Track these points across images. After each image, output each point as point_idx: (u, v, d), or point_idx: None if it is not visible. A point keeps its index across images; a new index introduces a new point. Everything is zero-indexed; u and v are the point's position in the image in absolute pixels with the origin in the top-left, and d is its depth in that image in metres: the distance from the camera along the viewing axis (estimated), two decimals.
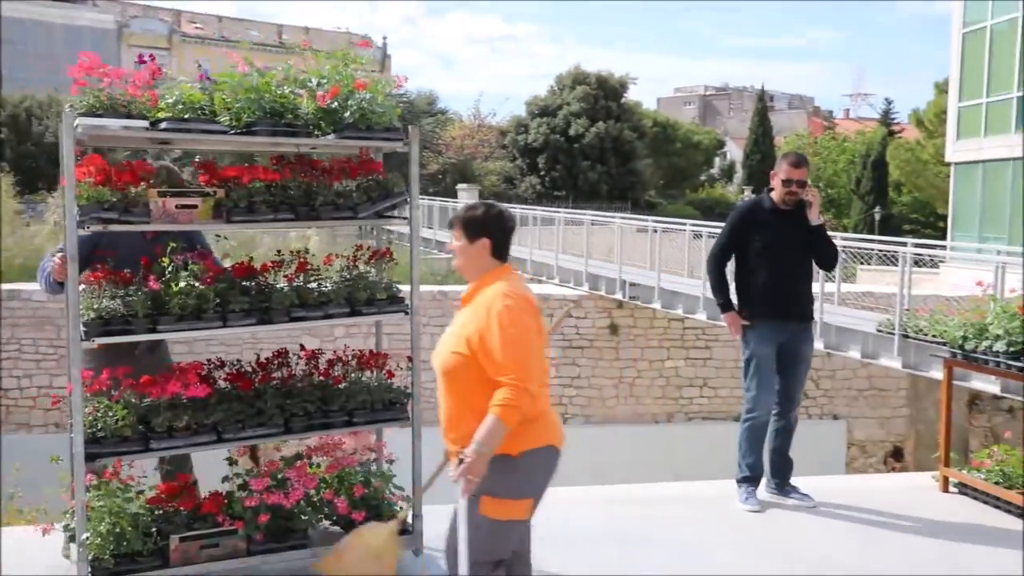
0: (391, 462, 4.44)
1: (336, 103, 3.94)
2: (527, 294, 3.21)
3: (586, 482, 7.32)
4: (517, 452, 3.06)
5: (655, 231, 17.49)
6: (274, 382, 4.22)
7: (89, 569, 3.68)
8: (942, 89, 35.31)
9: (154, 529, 3.84)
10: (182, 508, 3.99)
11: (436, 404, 3.23)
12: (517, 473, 3.08)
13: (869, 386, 17.66)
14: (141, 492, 3.97)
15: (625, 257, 17.44)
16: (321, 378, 4.29)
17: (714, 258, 5.53)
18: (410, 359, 4.28)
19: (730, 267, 5.53)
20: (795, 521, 5.12)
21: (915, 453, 17.64)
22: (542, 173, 43.89)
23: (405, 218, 4.26)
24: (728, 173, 59.41)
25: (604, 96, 44.58)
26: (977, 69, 23.83)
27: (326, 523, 4.20)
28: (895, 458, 17.78)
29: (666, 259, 16.92)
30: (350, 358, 4.35)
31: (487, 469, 2.99)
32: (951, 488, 5.57)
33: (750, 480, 5.40)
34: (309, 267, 4.18)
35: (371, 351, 4.41)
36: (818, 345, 13.48)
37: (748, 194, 48.24)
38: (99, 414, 3.78)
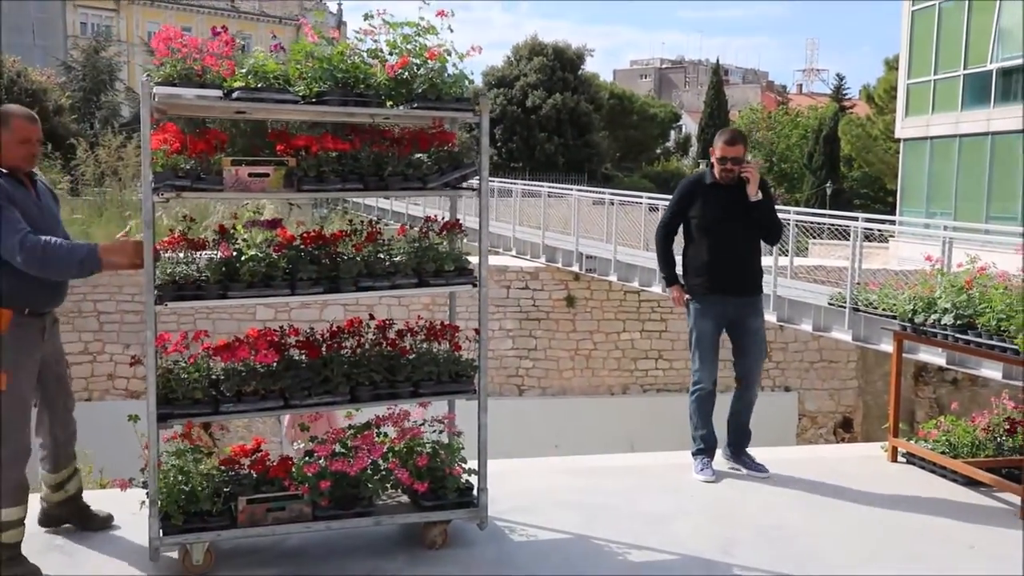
0: (458, 434, 4.44)
1: (407, 73, 3.95)
2: None
3: (543, 452, 7.42)
4: None
5: (611, 204, 17.59)
6: (343, 351, 4.25)
7: (160, 526, 3.80)
8: (892, 66, 35.84)
9: (224, 490, 3.96)
10: (252, 471, 4.11)
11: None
12: None
13: (820, 358, 18.02)
14: (211, 454, 4.10)
15: (582, 229, 17.53)
16: (389, 349, 4.31)
17: (659, 231, 5.56)
18: (477, 331, 4.30)
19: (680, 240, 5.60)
20: (748, 490, 5.24)
21: (863, 424, 18.07)
22: (499, 144, 43.79)
23: (475, 189, 4.26)
24: (684, 146, 59.77)
25: (561, 67, 44.53)
26: (926, 47, 24.21)
27: (394, 493, 4.28)
28: (844, 429, 18.20)
29: (622, 232, 17.04)
30: (419, 329, 4.37)
31: None
32: (900, 458, 5.74)
33: (704, 452, 5.45)
34: (379, 238, 4.23)
35: (442, 323, 4.43)
36: (771, 318, 13.69)
37: (703, 167, 48.60)
38: (172, 376, 3.91)
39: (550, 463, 6.01)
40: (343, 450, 4.17)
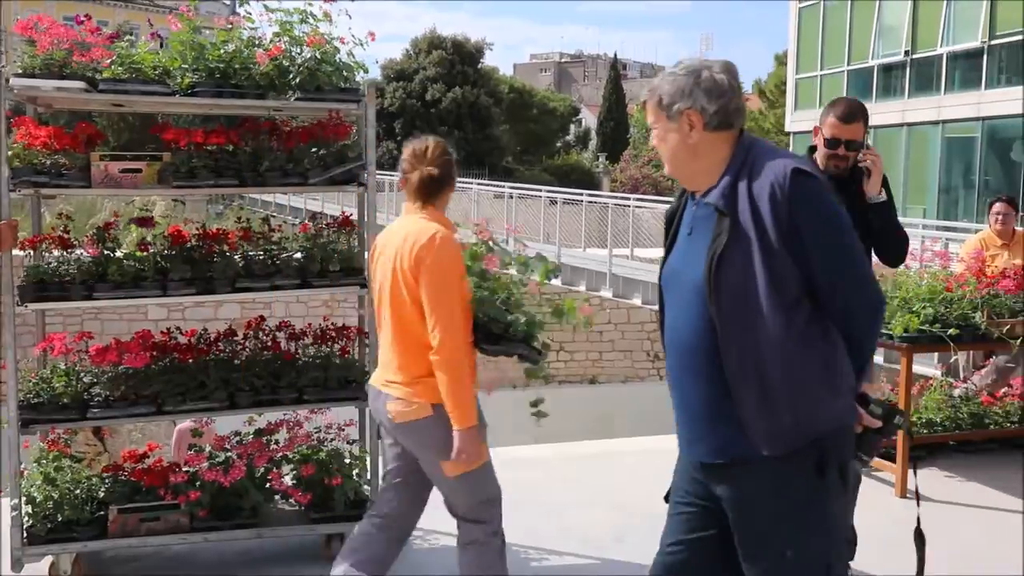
0: (352, 443, 4.25)
1: (286, 62, 3.77)
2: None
3: None
4: None
5: (511, 197, 17.69)
6: (222, 354, 4.08)
7: (24, 535, 3.66)
8: (782, 61, 36.95)
9: (100, 497, 3.82)
10: (133, 479, 3.94)
11: None
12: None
13: None
14: (79, 461, 3.96)
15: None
16: (274, 352, 4.13)
17: None
18: (364, 333, 4.12)
19: None
20: (645, 479, 5.34)
21: None
22: (399, 138, 43.44)
23: (363, 184, 4.02)
24: (583, 140, 60.41)
25: (461, 61, 44.44)
26: (812, 43, 25.09)
27: (286, 502, 4.10)
28: None
29: (522, 225, 17.15)
30: (316, 332, 4.19)
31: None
32: None
33: None
34: (255, 235, 4.07)
35: (331, 325, 4.25)
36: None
37: (603, 161, 49.19)
38: (38, 380, 3.77)
39: None
40: (220, 459, 4.01)
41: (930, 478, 5.28)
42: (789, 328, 2.18)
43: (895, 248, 3.79)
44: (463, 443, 3.03)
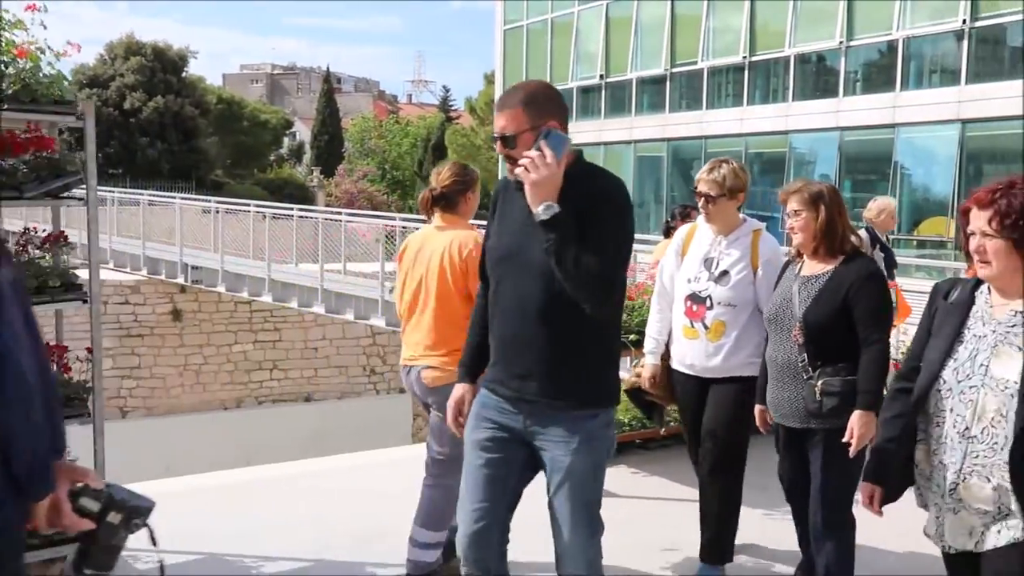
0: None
1: None
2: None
3: (160, 475, 6.99)
4: None
5: (218, 212, 17.02)
6: None
7: None
8: (490, 80, 38.44)
9: None
10: None
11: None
12: None
13: None
14: None
15: (188, 239, 16.76)
16: None
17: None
18: (89, 350, 3.90)
19: None
20: (356, 496, 5.31)
21: None
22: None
23: (81, 199, 3.90)
24: (297, 153, 59.41)
25: (162, 69, 42.20)
26: (517, 64, 26.30)
27: None
28: None
29: (231, 241, 16.54)
30: None
31: None
32: None
33: None
34: None
35: (48, 344, 3.84)
36: (379, 322, 14.00)
37: (317, 175, 48.57)
38: None
39: (169, 485, 5.65)
40: None
41: (619, 475, 5.64)
42: None
43: (578, 286, 2.52)
44: None
